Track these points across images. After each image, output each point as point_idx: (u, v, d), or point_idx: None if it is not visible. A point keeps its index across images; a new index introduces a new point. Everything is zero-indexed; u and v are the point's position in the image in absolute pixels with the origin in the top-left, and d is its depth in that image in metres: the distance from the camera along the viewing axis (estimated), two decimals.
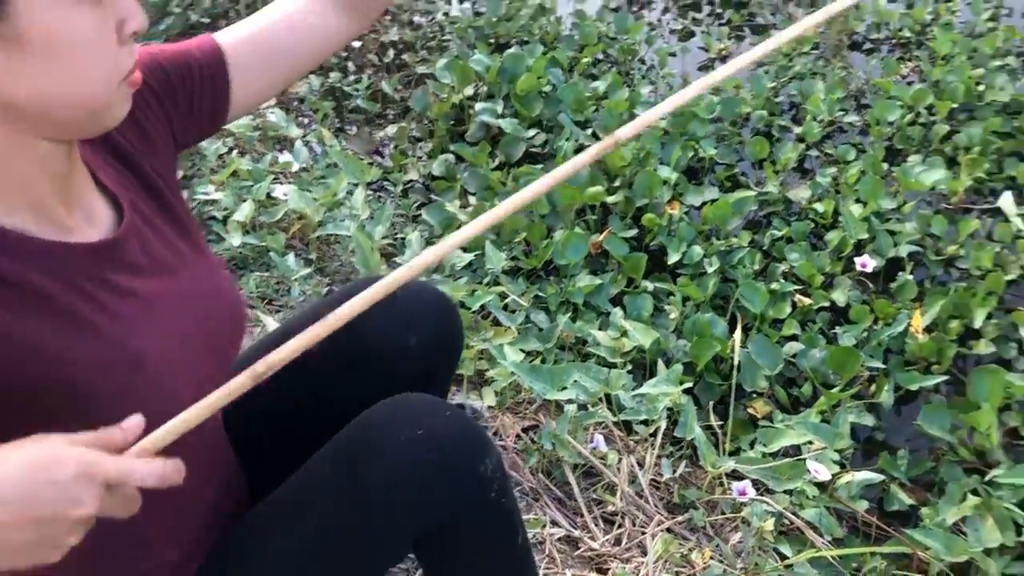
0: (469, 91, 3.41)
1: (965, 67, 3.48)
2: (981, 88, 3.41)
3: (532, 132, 3.28)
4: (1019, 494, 2.14)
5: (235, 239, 2.51)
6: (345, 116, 3.58)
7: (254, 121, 3.19)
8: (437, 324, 1.22)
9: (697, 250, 2.80)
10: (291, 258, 2.41)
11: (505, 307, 2.48)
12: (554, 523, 1.86)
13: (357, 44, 3.88)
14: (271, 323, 2.18)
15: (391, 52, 3.87)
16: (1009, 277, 2.77)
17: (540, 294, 2.63)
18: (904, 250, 2.83)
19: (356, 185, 2.68)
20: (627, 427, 2.15)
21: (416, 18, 4.06)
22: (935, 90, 3.45)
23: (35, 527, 0.67)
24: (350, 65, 3.83)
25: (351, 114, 3.60)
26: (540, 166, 3.13)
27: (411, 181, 3.16)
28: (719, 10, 4.08)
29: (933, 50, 3.68)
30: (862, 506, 2.07)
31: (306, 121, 3.50)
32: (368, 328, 1.18)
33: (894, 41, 3.86)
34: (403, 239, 2.62)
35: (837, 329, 2.62)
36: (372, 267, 2.20)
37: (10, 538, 0.67)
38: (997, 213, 3.03)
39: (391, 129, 3.45)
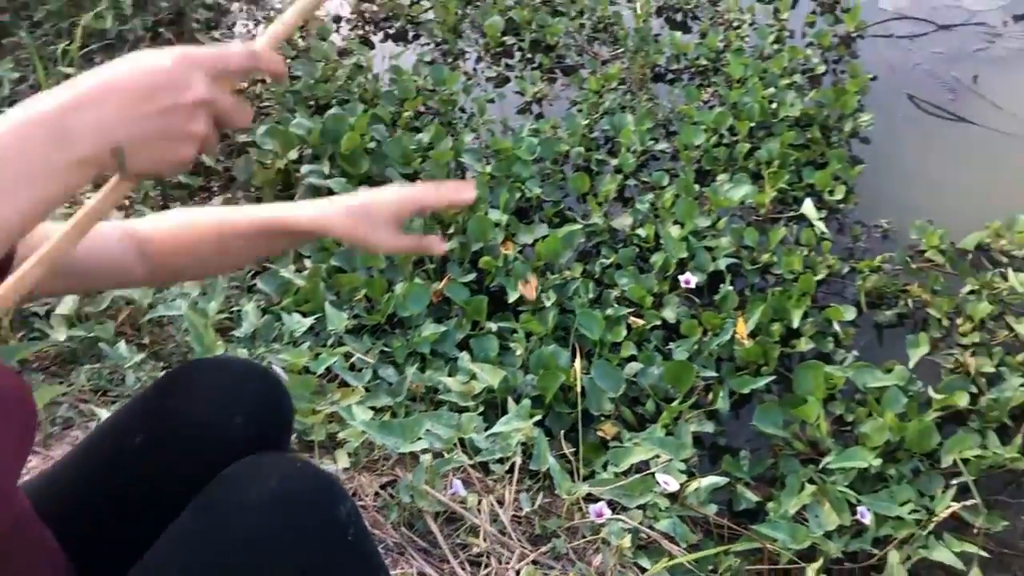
0: (294, 155, 3.40)
1: (758, 88, 3.77)
2: (774, 106, 3.71)
3: (361, 189, 3.30)
4: (850, 476, 2.33)
5: (60, 334, 2.41)
6: (168, 193, 3.50)
7: (70, 209, 3.07)
8: (261, 399, 1.22)
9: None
10: (122, 346, 2.33)
11: (352, 366, 2.49)
12: (421, 574, 1.87)
13: None
14: (106, 416, 2.09)
15: None
16: (818, 277, 3.01)
17: (386, 348, 2.65)
18: (723, 263, 3.02)
19: None
20: (484, 467, 2.19)
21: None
22: (734, 112, 3.72)
23: (158, 115, 0.74)
24: None
25: (174, 190, 3.52)
26: None
27: None
28: (529, 55, 4.26)
29: (728, 75, 3.96)
30: (712, 510, 2.19)
31: (127, 202, 3.39)
32: (191, 414, 1.18)
33: (693, 70, 4.14)
34: (239, 311, 2.58)
35: (671, 345, 2.77)
36: (207, 345, 2.16)
37: (140, 130, 0.73)
38: (802, 219, 3.29)
39: (216, 201, 3.40)
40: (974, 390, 2.59)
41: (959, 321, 2.88)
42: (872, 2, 4.67)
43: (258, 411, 1.22)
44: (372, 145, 3.46)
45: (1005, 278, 2.94)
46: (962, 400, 2.50)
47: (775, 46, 4.19)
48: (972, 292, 2.96)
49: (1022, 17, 4.51)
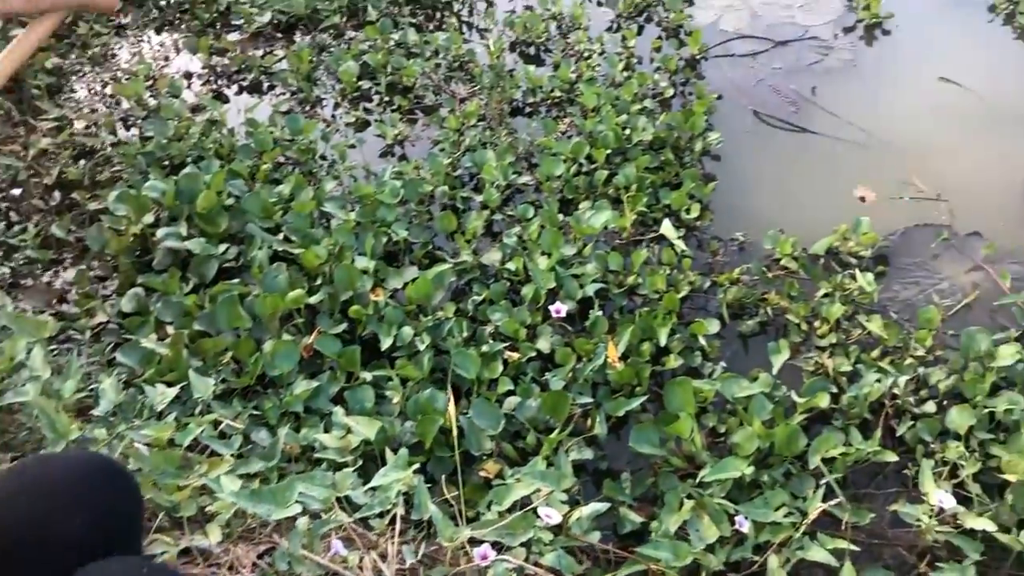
0: (149, 219, 3.30)
1: (611, 116, 3.88)
2: (628, 132, 3.82)
3: (222, 248, 3.23)
4: (726, 487, 2.39)
5: None
6: (17, 270, 3.34)
7: None
8: (107, 498, 1.18)
9: (408, 331, 2.88)
10: None
11: (221, 434, 2.41)
12: None
13: (17, 191, 3.64)
14: None
15: (57, 193, 3.67)
16: (682, 294, 3.11)
17: (257, 411, 2.59)
18: (591, 289, 3.09)
19: (35, 343, 2.50)
20: (365, 523, 2.15)
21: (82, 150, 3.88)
22: (590, 140, 3.81)
23: None
24: (12, 215, 3.58)
25: (24, 266, 3.36)
26: (237, 280, 3.10)
27: (100, 324, 3.00)
28: (387, 98, 4.27)
29: (583, 104, 4.07)
30: (595, 537, 2.21)
31: None
32: (32, 521, 1.12)
33: (549, 102, 4.23)
34: (98, 388, 2.47)
35: (548, 375, 2.80)
36: (61, 431, 2.06)
37: None
38: (662, 239, 3.40)
39: (70, 274, 3.26)
40: (835, 390, 2.72)
41: (816, 324, 3.02)
42: (713, 24, 4.90)
43: (104, 511, 1.18)
44: (230, 202, 3.39)
45: (854, 279, 3.10)
46: (824, 401, 2.62)
47: (625, 73, 4.33)
48: (826, 295, 3.10)
49: (851, 29, 4.80)
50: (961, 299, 3.15)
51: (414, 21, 4.89)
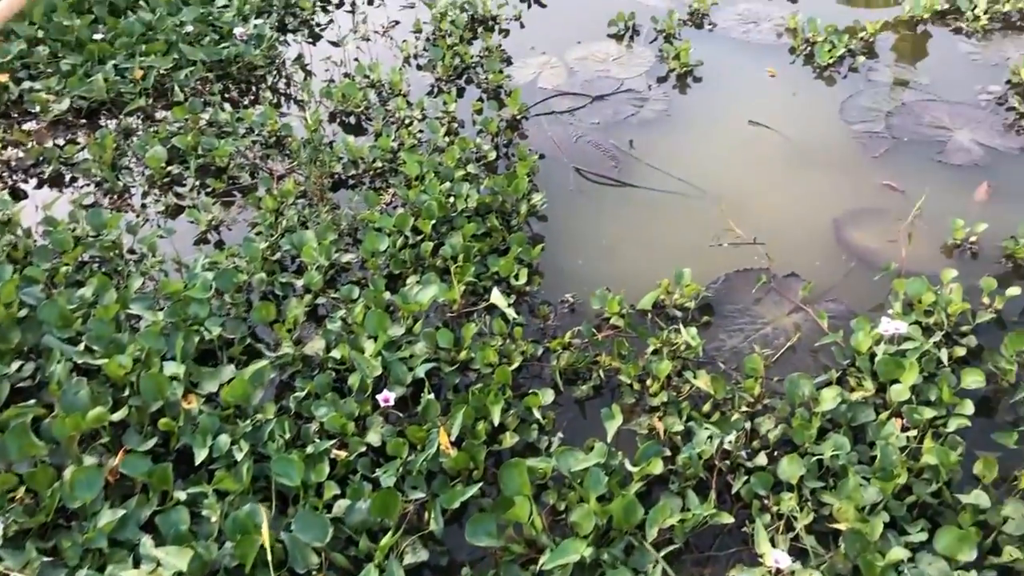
0: None
1: (435, 184, 3.82)
2: (452, 200, 3.76)
3: (16, 366, 2.95)
4: (568, 572, 2.31)
5: None
6: None
7: None
8: None
9: (224, 439, 2.69)
10: None
11: None
12: None
13: None
14: None
15: None
16: (515, 366, 3.05)
17: (53, 555, 2.33)
18: (421, 370, 2.98)
19: None
20: None
21: None
22: (415, 211, 3.73)
23: None
24: None
25: None
26: (33, 401, 2.82)
27: None
28: (200, 181, 4.06)
29: (406, 174, 3.99)
30: None
31: None
32: None
33: (371, 173, 4.14)
34: None
35: (379, 471, 2.66)
36: None
37: None
38: (493, 309, 3.33)
39: None
40: (669, 452, 2.70)
41: (648, 382, 3.01)
42: (532, 83, 4.94)
43: None
44: (24, 312, 3.11)
45: (679, 332, 3.12)
46: (657, 467, 2.59)
47: (447, 138, 4.29)
48: (655, 352, 3.11)
49: (664, 79, 4.95)
50: (784, 343, 3.22)
51: (226, 97, 4.72)
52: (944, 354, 2.95)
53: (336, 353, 3.05)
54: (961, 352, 3.05)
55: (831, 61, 4.97)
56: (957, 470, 2.58)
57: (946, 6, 5.56)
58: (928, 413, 2.72)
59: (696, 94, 4.82)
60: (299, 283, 3.43)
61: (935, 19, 5.52)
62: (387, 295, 3.30)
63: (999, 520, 2.47)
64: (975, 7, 5.46)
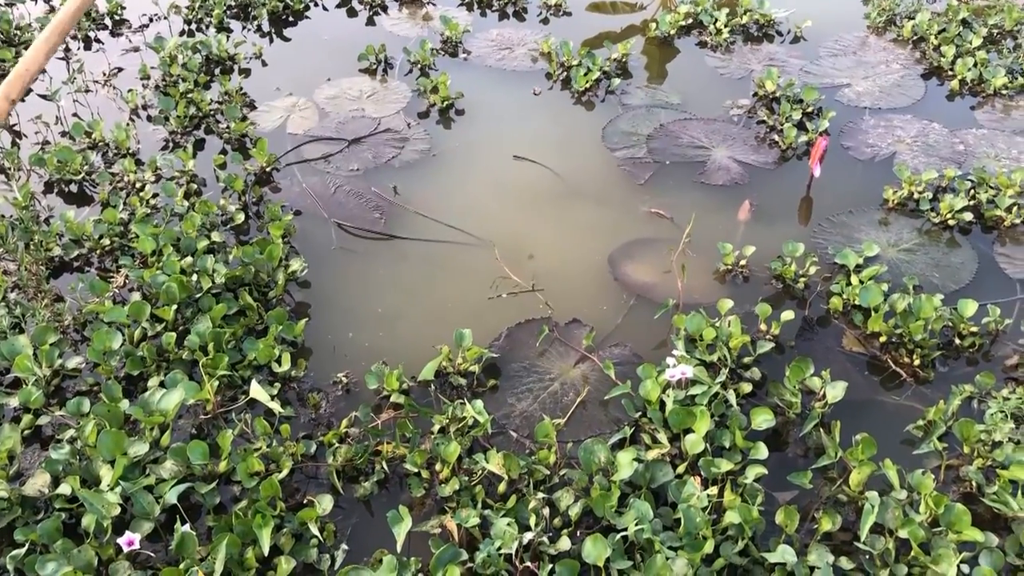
0: None
1: (174, 261, 3.37)
2: (196, 278, 3.33)
3: None
4: None
5: None
6: None
7: None
8: None
9: None
10: None
11: None
12: None
13: None
14: None
15: None
16: (284, 473, 2.69)
17: None
18: (172, 496, 2.55)
19: None
20: None
21: None
22: (152, 295, 3.28)
23: None
24: None
25: None
26: None
27: None
28: None
29: (139, 250, 3.51)
30: None
31: None
32: None
33: (98, 252, 3.61)
34: None
35: None
36: None
37: None
38: (254, 404, 2.96)
39: None
40: (465, 556, 2.45)
41: (437, 467, 2.75)
42: (280, 128, 4.57)
43: None
44: None
45: (465, 406, 2.89)
46: (455, 574, 2.34)
47: (186, 202, 3.84)
48: (441, 430, 2.86)
49: (425, 115, 4.72)
50: (574, 399, 3.07)
51: None
52: (731, 394, 2.91)
53: (65, 488, 2.56)
54: (747, 388, 3.03)
55: (588, 85, 4.95)
56: (761, 523, 2.51)
57: (690, 22, 5.72)
58: (724, 465, 2.65)
59: (459, 129, 4.63)
60: (14, 402, 2.89)
61: (681, 34, 5.66)
62: (125, 403, 2.85)
63: (806, 572, 2.42)
64: (716, 21, 5.65)
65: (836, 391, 2.92)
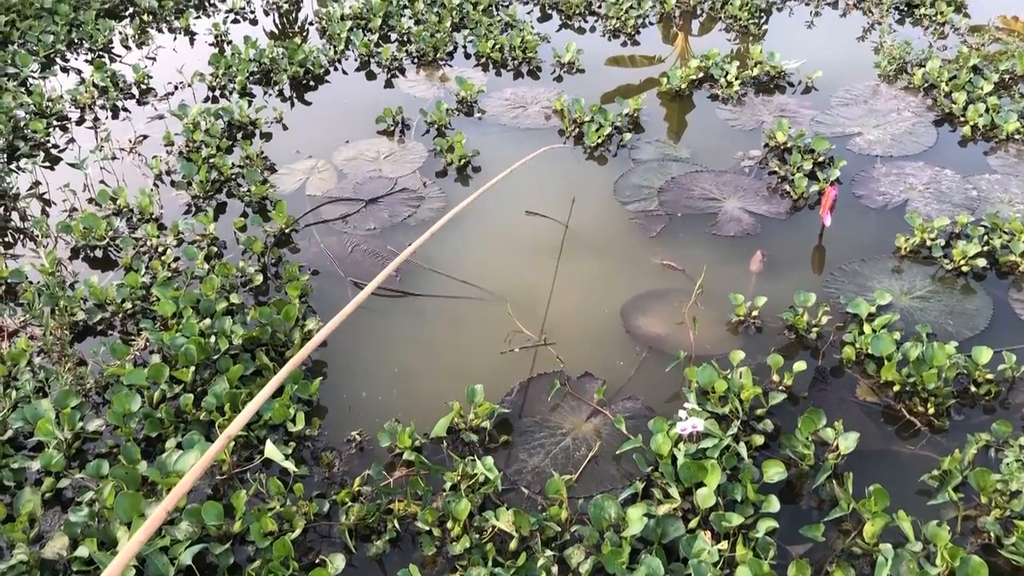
0: None
1: (192, 324, 3.44)
2: (214, 339, 3.39)
3: None
4: None
5: None
6: None
7: None
8: None
9: None
10: None
11: None
12: None
13: None
14: None
15: None
16: (296, 533, 2.71)
17: None
18: (187, 557, 2.57)
19: None
20: None
21: None
22: (171, 357, 3.35)
23: None
24: None
25: None
26: None
27: None
28: None
29: (160, 313, 3.58)
30: None
31: None
32: None
33: (121, 316, 3.70)
34: None
35: None
36: None
37: None
38: (270, 464, 2.99)
39: None
40: None
41: (449, 525, 2.76)
42: (299, 190, 4.67)
43: None
44: None
45: (476, 463, 2.90)
46: None
47: (206, 265, 3.92)
48: (453, 488, 2.87)
49: (443, 174, 4.81)
50: (586, 454, 3.07)
51: None
52: (743, 447, 2.90)
53: (83, 550, 2.60)
54: (759, 440, 3.01)
55: (600, 140, 5.02)
56: None
57: (701, 75, 5.80)
58: (736, 519, 2.63)
59: (473, 187, 4.70)
60: (35, 466, 2.95)
61: (693, 88, 5.74)
62: (143, 465, 2.89)
63: None
64: (727, 74, 5.73)
65: (849, 442, 2.90)
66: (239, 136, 5.19)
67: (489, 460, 2.87)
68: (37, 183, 4.73)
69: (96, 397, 3.32)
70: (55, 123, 5.37)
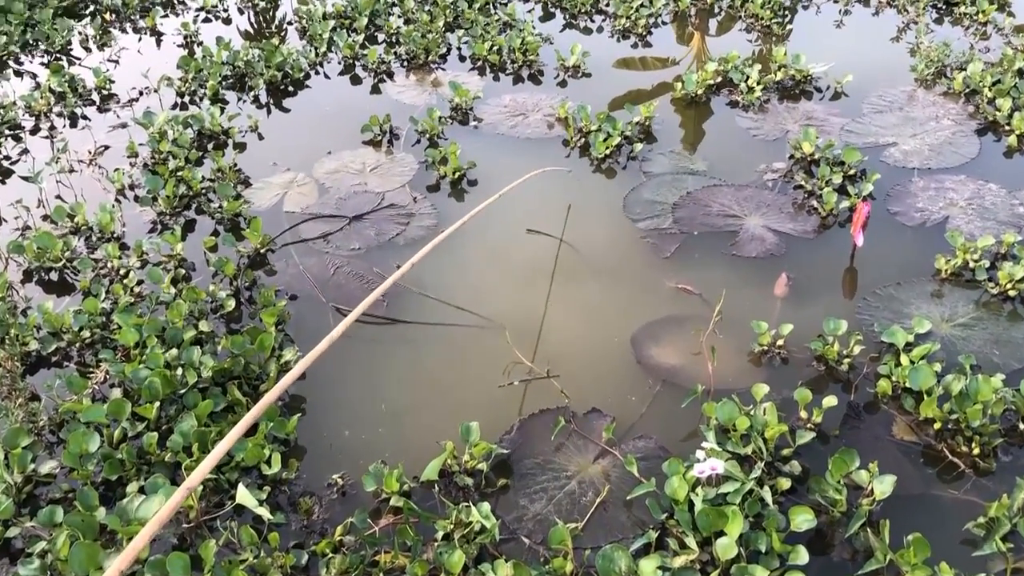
0: None
1: (157, 354, 3.44)
2: (181, 372, 3.39)
3: None
4: None
5: None
6: None
7: None
8: None
9: None
10: None
11: None
12: None
13: None
14: None
15: None
16: None
17: None
18: None
19: None
20: None
21: None
22: (134, 391, 3.35)
23: None
24: None
25: None
26: None
27: None
28: None
29: (122, 343, 3.59)
30: None
31: None
32: None
33: (78, 345, 3.71)
34: None
35: None
36: None
37: None
38: (241, 510, 2.99)
39: None
40: None
41: None
42: (276, 207, 4.69)
43: None
44: None
45: (471, 510, 2.90)
46: None
47: (173, 290, 3.93)
48: (445, 537, 2.87)
49: (435, 188, 4.84)
50: (593, 499, 3.07)
51: None
52: (768, 492, 2.90)
53: None
54: (786, 484, 3.01)
55: (608, 152, 5.06)
56: None
57: (719, 80, 5.84)
58: (760, 572, 2.63)
59: (468, 203, 4.73)
60: None
61: (710, 94, 5.78)
62: (102, 512, 2.89)
63: None
64: (748, 78, 5.78)
65: (885, 486, 2.90)
66: (210, 147, 5.22)
67: (486, 506, 2.87)
68: None
69: (50, 436, 3.32)
70: (7, 132, 5.41)
